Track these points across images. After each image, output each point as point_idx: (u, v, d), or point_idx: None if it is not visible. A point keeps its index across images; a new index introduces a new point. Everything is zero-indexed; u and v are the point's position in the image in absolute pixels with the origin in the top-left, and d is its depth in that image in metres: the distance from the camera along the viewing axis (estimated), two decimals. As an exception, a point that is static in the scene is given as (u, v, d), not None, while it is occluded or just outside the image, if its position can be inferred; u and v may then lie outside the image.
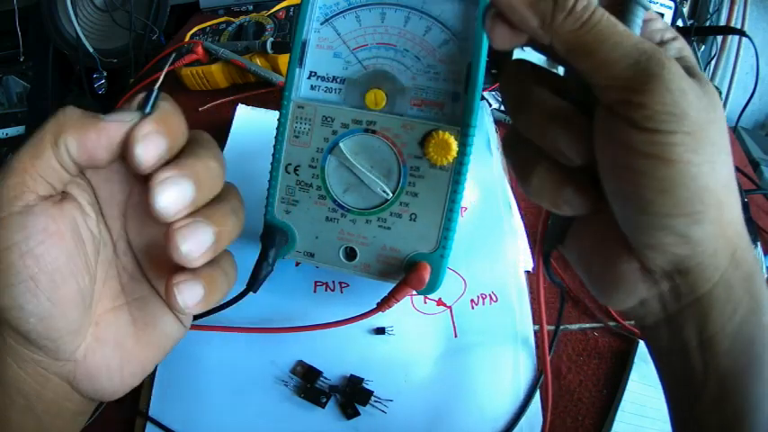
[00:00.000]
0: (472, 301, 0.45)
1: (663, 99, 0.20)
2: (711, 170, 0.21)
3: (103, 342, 0.26)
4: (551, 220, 0.27)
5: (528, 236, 0.49)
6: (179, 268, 0.25)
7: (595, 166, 0.23)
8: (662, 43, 0.24)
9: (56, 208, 0.23)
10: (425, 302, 0.45)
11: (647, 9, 0.23)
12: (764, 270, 0.50)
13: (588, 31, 0.21)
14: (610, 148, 0.22)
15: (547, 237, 0.28)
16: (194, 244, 0.23)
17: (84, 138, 0.23)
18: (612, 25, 0.21)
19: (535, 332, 0.43)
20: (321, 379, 0.41)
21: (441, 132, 0.35)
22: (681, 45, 0.24)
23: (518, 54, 0.43)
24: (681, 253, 0.22)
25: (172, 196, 0.23)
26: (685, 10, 0.90)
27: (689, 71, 0.22)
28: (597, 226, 0.24)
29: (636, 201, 0.21)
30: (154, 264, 0.28)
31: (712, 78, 1.01)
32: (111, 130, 0.23)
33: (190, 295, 0.24)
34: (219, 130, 0.58)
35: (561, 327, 0.44)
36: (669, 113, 0.20)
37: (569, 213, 0.25)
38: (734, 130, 0.82)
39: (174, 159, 0.24)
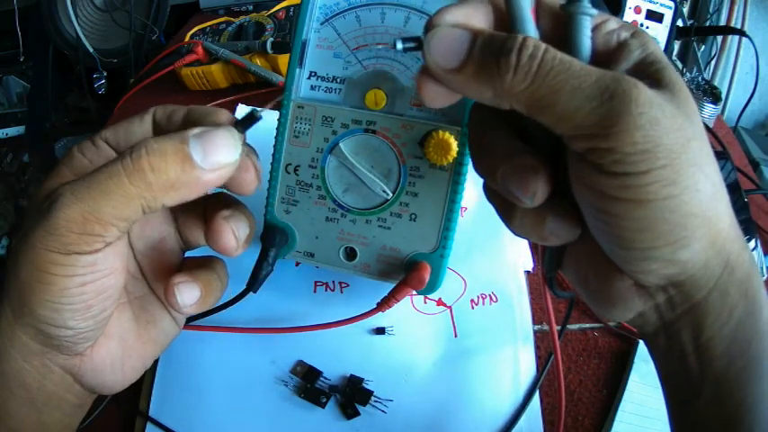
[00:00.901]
0: (472, 301, 0.45)
1: (632, 139, 0.19)
2: (694, 193, 0.20)
3: (109, 337, 0.26)
4: (547, 249, 0.27)
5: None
6: (178, 270, 0.27)
7: (572, 191, 0.22)
8: (621, 45, 0.22)
9: (122, 243, 0.24)
10: (425, 302, 0.45)
11: (592, 16, 0.22)
12: (764, 270, 0.50)
13: (541, 84, 0.19)
14: (583, 193, 0.21)
15: (546, 264, 0.27)
16: (188, 297, 0.26)
17: (181, 197, 0.22)
18: (566, 68, 0.19)
19: (535, 332, 0.44)
20: (321, 379, 0.41)
21: (441, 132, 0.35)
22: (642, 41, 0.22)
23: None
24: (670, 273, 0.21)
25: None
26: (685, 10, 0.90)
27: (658, 76, 0.21)
28: (589, 247, 0.24)
29: (616, 238, 0.21)
30: (152, 265, 0.28)
31: (712, 78, 1.01)
32: (209, 182, 0.22)
33: (188, 296, 0.26)
34: (219, 130, 0.58)
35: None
36: (641, 152, 0.19)
37: (558, 243, 0.24)
38: (734, 130, 0.83)
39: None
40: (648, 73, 0.21)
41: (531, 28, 0.22)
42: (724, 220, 0.21)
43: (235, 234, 0.26)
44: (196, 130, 0.22)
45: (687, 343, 0.22)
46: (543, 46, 0.20)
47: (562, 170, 0.23)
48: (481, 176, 0.25)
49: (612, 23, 0.23)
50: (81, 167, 0.25)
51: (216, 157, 0.22)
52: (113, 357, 0.26)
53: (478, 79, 0.20)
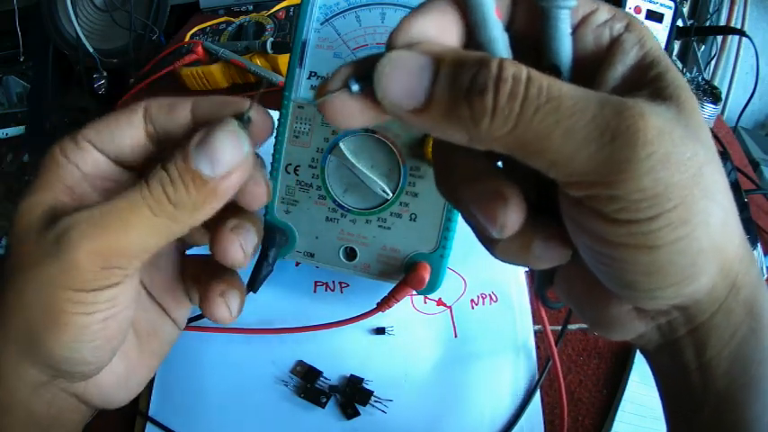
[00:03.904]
0: (472, 301, 0.45)
1: (641, 185, 0.16)
2: (705, 229, 0.17)
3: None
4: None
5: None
6: (179, 272, 0.27)
7: (558, 211, 0.20)
8: (614, 43, 0.20)
9: (137, 273, 0.23)
10: (425, 302, 0.45)
11: (570, 8, 0.18)
12: (765, 270, 0.50)
13: (527, 129, 0.16)
14: (579, 235, 0.19)
15: (536, 282, 0.27)
16: (235, 305, 0.25)
17: (207, 214, 0.21)
18: (556, 107, 0.16)
19: (535, 332, 0.43)
20: (321, 379, 0.41)
21: (441, 132, 0.35)
22: (639, 35, 0.19)
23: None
24: (674, 303, 0.20)
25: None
26: (685, 10, 0.89)
27: (660, 83, 0.18)
28: (582, 270, 0.21)
29: (616, 280, 0.19)
30: (151, 270, 0.27)
31: (712, 78, 1.01)
32: (229, 188, 0.21)
33: (235, 304, 0.25)
34: (219, 130, 0.58)
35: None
36: (650, 198, 0.16)
37: (546, 267, 0.22)
38: (734, 130, 0.83)
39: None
40: (648, 79, 0.19)
41: (497, 35, 0.18)
42: (734, 242, 0.19)
43: (243, 247, 0.24)
44: (196, 139, 0.20)
45: (690, 361, 0.21)
46: (524, 76, 0.16)
47: (547, 188, 0.20)
48: (446, 200, 0.22)
49: (603, 14, 0.20)
50: (71, 177, 0.23)
51: (224, 160, 0.20)
52: (118, 376, 0.26)
53: (447, 122, 0.17)
